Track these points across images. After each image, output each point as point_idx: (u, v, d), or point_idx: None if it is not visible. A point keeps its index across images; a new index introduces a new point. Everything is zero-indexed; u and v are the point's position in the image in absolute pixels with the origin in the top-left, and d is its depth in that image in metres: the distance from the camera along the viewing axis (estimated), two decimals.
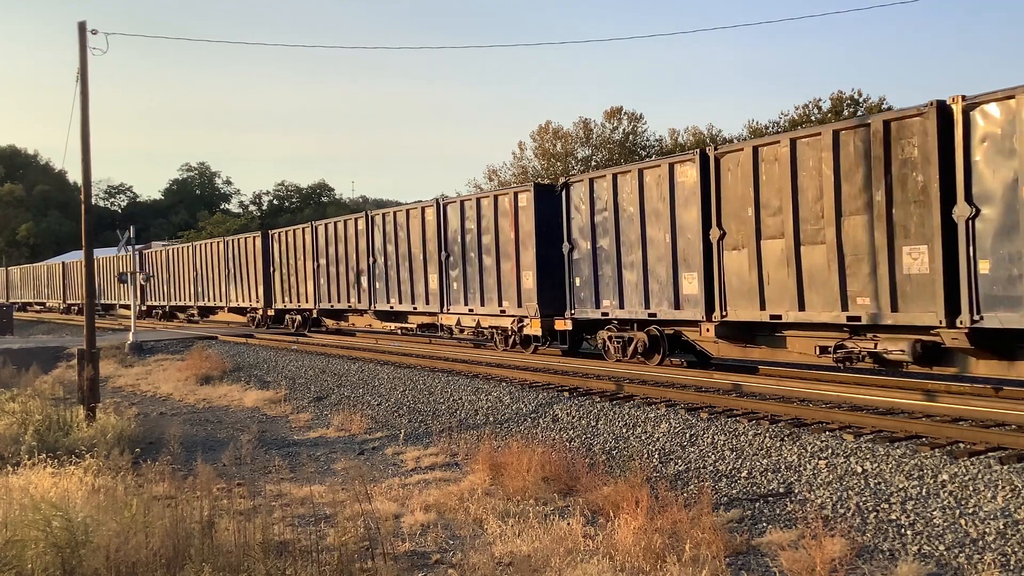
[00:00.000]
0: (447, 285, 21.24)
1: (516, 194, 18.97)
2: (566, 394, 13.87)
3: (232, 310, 35.25)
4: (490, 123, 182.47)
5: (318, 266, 27.93)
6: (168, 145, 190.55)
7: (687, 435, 10.94)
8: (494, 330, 19.89)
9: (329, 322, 29.54)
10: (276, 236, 31.34)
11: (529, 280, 18.42)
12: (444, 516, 8.70)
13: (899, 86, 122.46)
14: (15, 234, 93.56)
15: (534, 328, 18.36)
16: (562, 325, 17.76)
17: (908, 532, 7.44)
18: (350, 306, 26.27)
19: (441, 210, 21.42)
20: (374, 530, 7.83)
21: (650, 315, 15.58)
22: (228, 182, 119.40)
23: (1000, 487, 7.85)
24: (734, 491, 9.12)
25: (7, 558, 6.47)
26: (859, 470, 8.86)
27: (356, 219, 25.85)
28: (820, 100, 52.05)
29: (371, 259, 24.73)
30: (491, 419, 13.61)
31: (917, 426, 9.93)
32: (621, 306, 16.22)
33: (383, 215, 24.36)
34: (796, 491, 8.78)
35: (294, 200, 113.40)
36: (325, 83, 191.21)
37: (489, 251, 19.62)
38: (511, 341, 19.46)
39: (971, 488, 7.97)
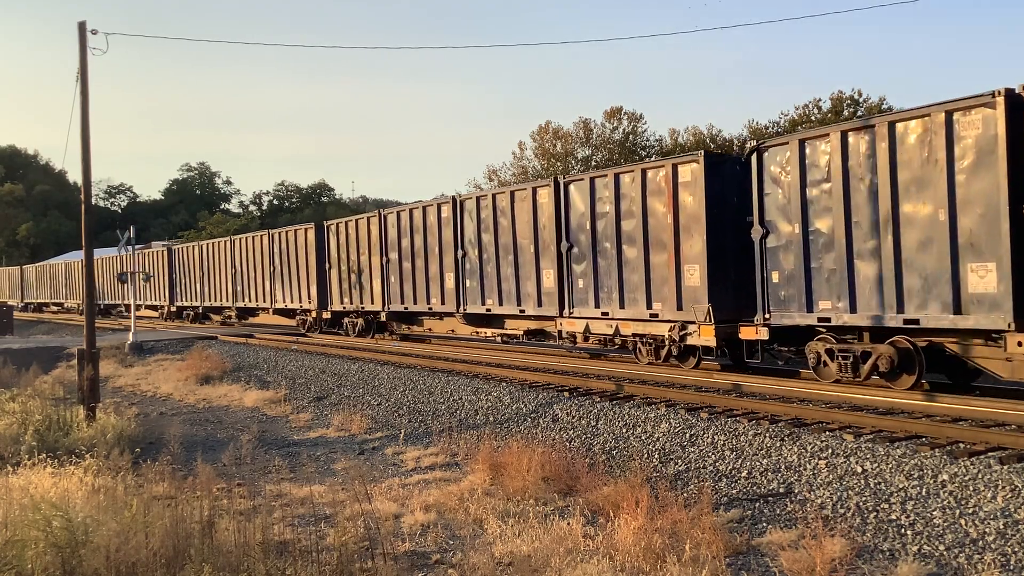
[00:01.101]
0: (570, 283, 17.38)
1: (675, 167, 14.97)
2: (566, 394, 13.87)
3: (278, 312, 31.24)
4: (490, 123, 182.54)
5: (387, 262, 23.97)
6: (168, 145, 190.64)
7: (687, 435, 10.94)
8: (638, 339, 16.06)
9: (400, 327, 25.18)
10: (334, 228, 27.20)
11: (695, 276, 14.63)
12: (444, 516, 8.70)
13: (899, 86, 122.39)
14: (15, 234, 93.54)
15: (704, 336, 14.34)
16: (752, 333, 13.66)
17: (908, 532, 7.44)
18: (430, 308, 22.25)
19: (561, 191, 17.49)
20: (374, 530, 7.83)
21: (907, 321, 11.66)
22: (228, 182, 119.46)
23: (1000, 487, 7.85)
24: (734, 491, 9.12)
25: (7, 558, 6.47)
26: (859, 470, 8.86)
27: (439, 205, 21.81)
28: (820, 100, 52.12)
29: (460, 252, 20.70)
30: (491, 419, 13.61)
31: (917, 426, 9.93)
32: (852, 308, 12.30)
33: (476, 199, 20.34)
34: (796, 491, 8.78)
35: (294, 200, 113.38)
36: (325, 83, 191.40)
37: (633, 240, 15.78)
38: (664, 353, 15.56)
39: (971, 488, 7.97)
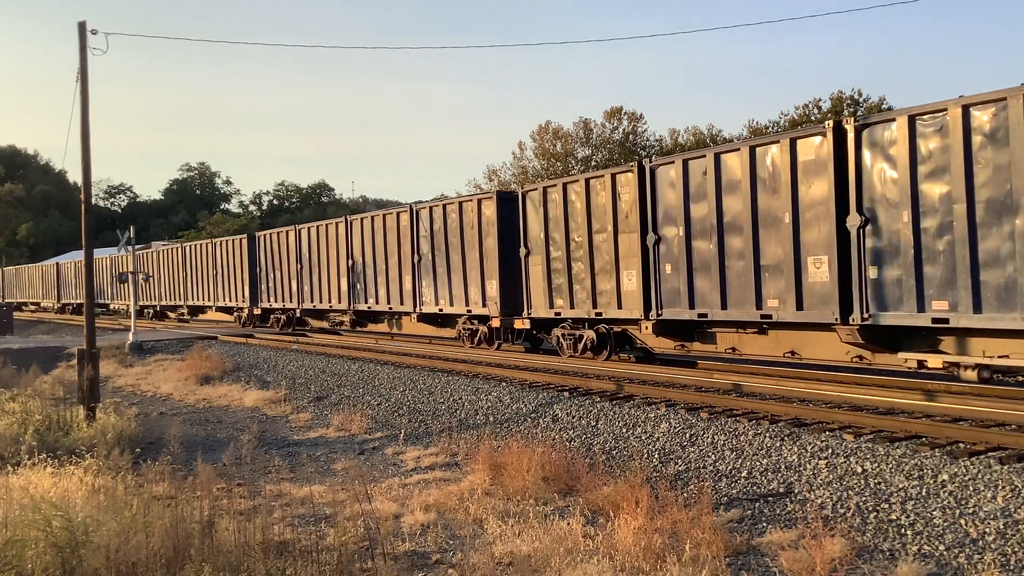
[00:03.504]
0: None
1: None
2: (566, 394, 13.87)
3: (424, 318, 22.87)
4: (490, 123, 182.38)
5: (657, 242, 15.63)
6: (168, 145, 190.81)
7: (687, 435, 10.94)
8: None
9: (665, 341, 16.28)
10: (536, 196, 18.71)
11: None
12: (444, 516, 8.70)
13: (899, 86, 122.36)
14: (15, 234, 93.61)
15: None
16: None
17: (908, 532, 7.45)
18: (764, 315, 13.70)
19: None
20: (374, 530, 7.84)
21: None
22: (228, 182, 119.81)
23: (1000, 487, 7.85)
24: (734, 491, 9.12)
25: (7, 558, 6.48)
26: (859, 470, 8.86)
27: (795, 139, 13.18)
28: (820, 100, 52.18)
29: (857, 218, 12.20)
30: (491, 419, 13.61)
31: (917, 426, 9.93)
32: None
33: (909, 120, 11.61)
34: (796, 491, 8.78)
35: (294, 200, 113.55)
36: (325, 83, 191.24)
37: None
38: None
39: (971, 488, 7.97)
